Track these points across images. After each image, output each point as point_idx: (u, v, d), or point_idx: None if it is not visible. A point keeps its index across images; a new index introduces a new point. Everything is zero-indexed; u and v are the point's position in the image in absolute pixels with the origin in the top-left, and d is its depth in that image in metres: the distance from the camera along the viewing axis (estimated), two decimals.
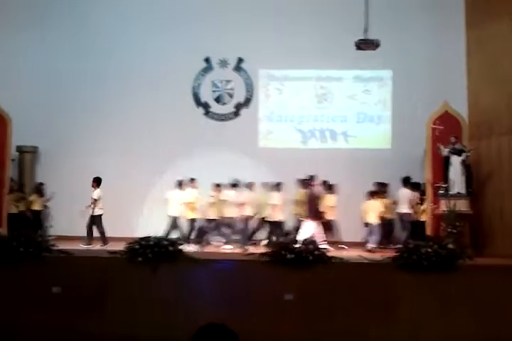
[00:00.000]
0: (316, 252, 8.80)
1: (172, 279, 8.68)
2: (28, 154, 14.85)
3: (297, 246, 9.04)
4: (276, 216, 12.57)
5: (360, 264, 9.03)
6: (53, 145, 14.60)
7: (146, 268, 8.70)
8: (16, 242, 9.02)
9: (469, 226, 10.23)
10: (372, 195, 12.38)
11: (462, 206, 10.28)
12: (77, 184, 13.33)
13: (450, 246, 8.74)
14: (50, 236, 11.57)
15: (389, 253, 9.40)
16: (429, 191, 11.07)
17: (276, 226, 12.62)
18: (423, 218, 11.58)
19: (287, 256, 8.70)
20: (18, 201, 12.98)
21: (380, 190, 12.65)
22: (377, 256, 9.74)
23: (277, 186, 12.72)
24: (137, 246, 8.96)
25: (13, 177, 13.45)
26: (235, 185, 12.89)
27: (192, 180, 12.83)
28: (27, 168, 14.77)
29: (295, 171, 13.09)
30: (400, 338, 8.26)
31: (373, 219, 12.16)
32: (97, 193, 12.16)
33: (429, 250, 8.62)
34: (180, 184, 12.81)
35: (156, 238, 9.09)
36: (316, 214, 11.92)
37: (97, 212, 12.08)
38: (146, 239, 9.09)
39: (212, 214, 12.76)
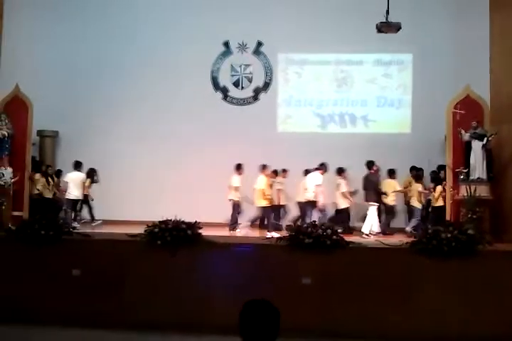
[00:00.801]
0: (334, 237, 8.79)
1: (191, 262, 8.72)
2: (48, 138, 15.00)
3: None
4: (342, 203, 12.53)
5: (378, 249, 9.00)
6: (73, 130, 14.72)
7: (165, 251, 8.76)
8: (37, 225, 9.14)
9: (489, 212, 10.13)
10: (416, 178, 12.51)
11: (483, 191, 10.16)
12: (97, 168, 13.41)
13: (470, 231, 8.66)
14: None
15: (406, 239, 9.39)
16: (449, 176, 10.96)
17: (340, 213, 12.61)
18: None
19: (305, 240, 8.70)
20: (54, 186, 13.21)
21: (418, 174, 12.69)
22: (396, 241, 9.69)
23: (342, 172, 12.54)
24: (156, 230, 9.02)
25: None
26: (307, 171, 12.71)
27: (264, 166, 12.46)
28: (47, 152, 14.94)
29: (314, 156, 13.03)
30: (418, 324, 8.24)
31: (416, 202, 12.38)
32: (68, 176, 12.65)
33: (449, 235, 8.56)
34: (238, 168, 12.63)
35: (175, 221, 9.14)
36: (376, 198, 12.20)
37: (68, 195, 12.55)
38: (165, 222, 9.14)
39: (281, 201, 12.74)
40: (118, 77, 14.66)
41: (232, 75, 15.20)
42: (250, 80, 15.13)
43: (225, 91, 15.12)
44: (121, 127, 14.56)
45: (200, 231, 9.05)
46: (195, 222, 9.17)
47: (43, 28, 14.83)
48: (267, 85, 15.07)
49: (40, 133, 14.59)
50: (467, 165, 10.50)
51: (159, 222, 9.23)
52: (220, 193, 12.80)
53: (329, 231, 8.87)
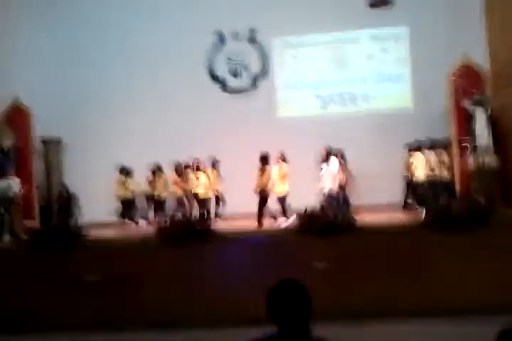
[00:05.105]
0: (346, 221, 8.77)
1: (204, 257, 8.75)
2: (52, 146, 14.90)
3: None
4: None
5: (391, 228, 8.97)
6: (77, 137, 14.51)
7: (178, 248, 8.77)
8: (51, 233, 9.19)
9: (498, 181, 10.04)
10: None
11: (490, 161, 10.08)
12: (102, 174, 13.41)
13: (481, 202, 8.63)
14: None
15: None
16: (455, 146, 10.86)
17: None
18: None
19: (317, 225, 8.69)
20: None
21: None
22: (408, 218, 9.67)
23: None
24: (168, 226, 9.07)
25: (39, 169, 13.58)
26: None
27: None
28: (52, 159, 14.81)
29: (316, 139, 12.95)
30: (437, 297, 8.21)
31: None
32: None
33: (461, 207, 8.53)
34: None
35: (185, 217, 9.19)
36: None
37: None
38: (176, 218, 9.19)
39: None
40: (121, 81, 14.34)
41: (228, 64, 15.06)
42: (247, 68, 14.99)
43: (222, 81, 15.00)
44: (125, 131, 14.31)
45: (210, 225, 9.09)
46: (205, 216, 9.21)
47: (42, 33, 14.67)
48: (264, 72, 14.92)
49: (43, 141, 14.51)
50: (472, 133, 10.39)
51: (170, 218, 9.27)
52: (229, 182, 12.82)
53: (340, 215, 8.86)
